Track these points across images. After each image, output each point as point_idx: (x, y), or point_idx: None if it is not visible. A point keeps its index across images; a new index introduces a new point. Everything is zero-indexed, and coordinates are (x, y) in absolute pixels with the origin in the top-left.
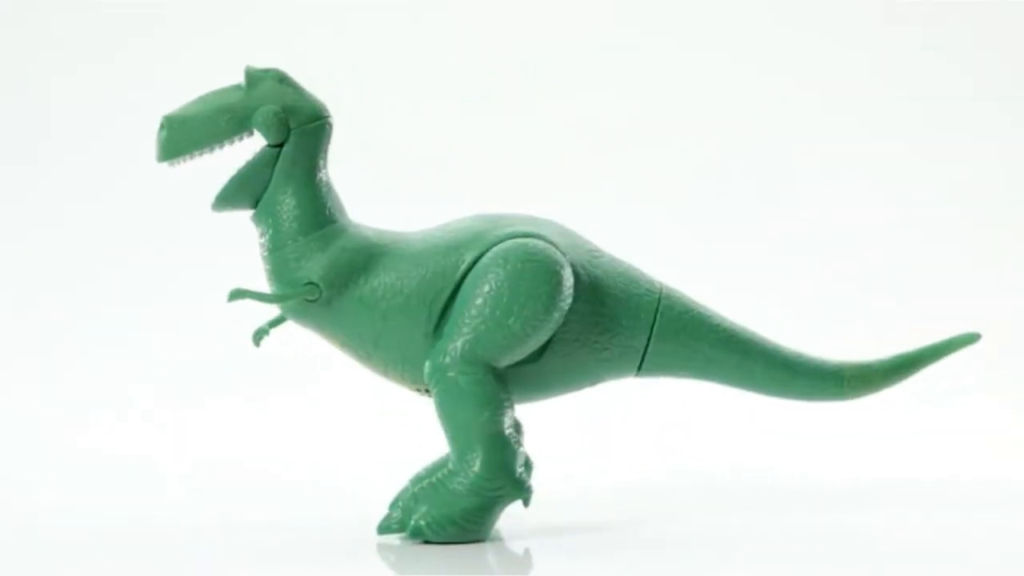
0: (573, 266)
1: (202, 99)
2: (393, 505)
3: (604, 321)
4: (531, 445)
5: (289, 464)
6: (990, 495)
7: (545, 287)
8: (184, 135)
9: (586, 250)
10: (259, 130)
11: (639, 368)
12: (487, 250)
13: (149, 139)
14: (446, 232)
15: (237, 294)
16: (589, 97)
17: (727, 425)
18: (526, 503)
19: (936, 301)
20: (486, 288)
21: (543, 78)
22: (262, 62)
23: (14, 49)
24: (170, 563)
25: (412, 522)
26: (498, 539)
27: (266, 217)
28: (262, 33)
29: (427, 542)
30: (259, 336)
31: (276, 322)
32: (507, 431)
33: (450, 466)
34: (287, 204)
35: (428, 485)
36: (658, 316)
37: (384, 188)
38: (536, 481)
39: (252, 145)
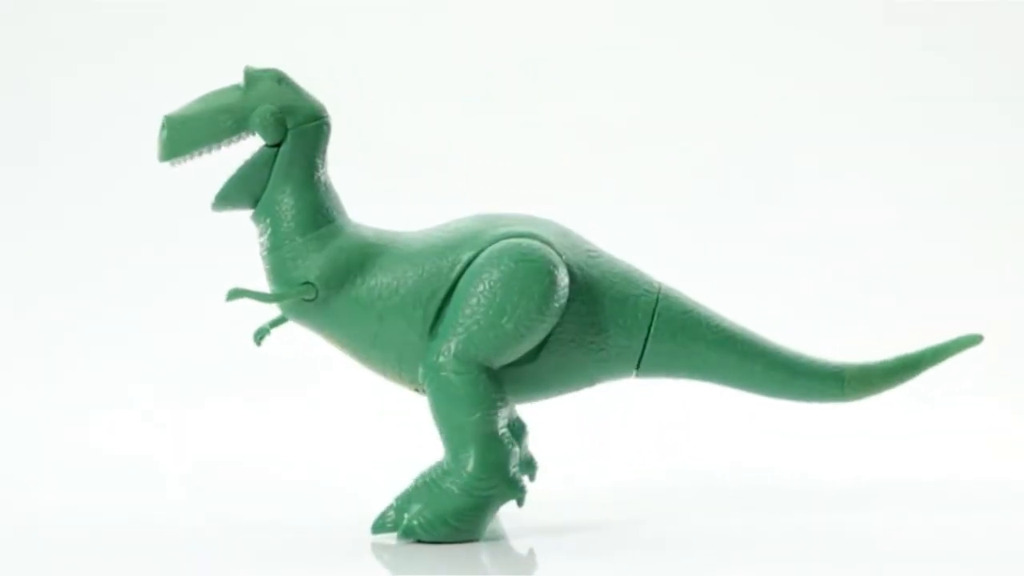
0: (569, 266)
1: (202, 99)
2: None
3: (600, 321)
4: (531, 445)
5: (289, 464)
6: (990, 495)
7: (538, 287)
8: (184, 135)
9: (584, 250)
10: (256, 130)
11: (637, 368)
12: (482, 250)
13: (149, 139)
14: (444, 232)
15: (235, 293)
16: (589, 97)
17: (727, 425)
18: (520, 503)
19: (936, 301)
20: (480, 288)
21: (543, 78)
22: (262, 62)
23: (14, 49)
24: (170, 563)
25: (404, 521)
26: (498, 539)
27: (265, 217)
28: (262, 33)
29: (420, 541)
30: (260, 335)
31: (277, 322)
32: (501, 431)
33: (444, 466)
34: (285, 204)
35: (422, 484)
36: (655, 316)
37: (384, 188)
38: (536, 481)
39: (252, 145)
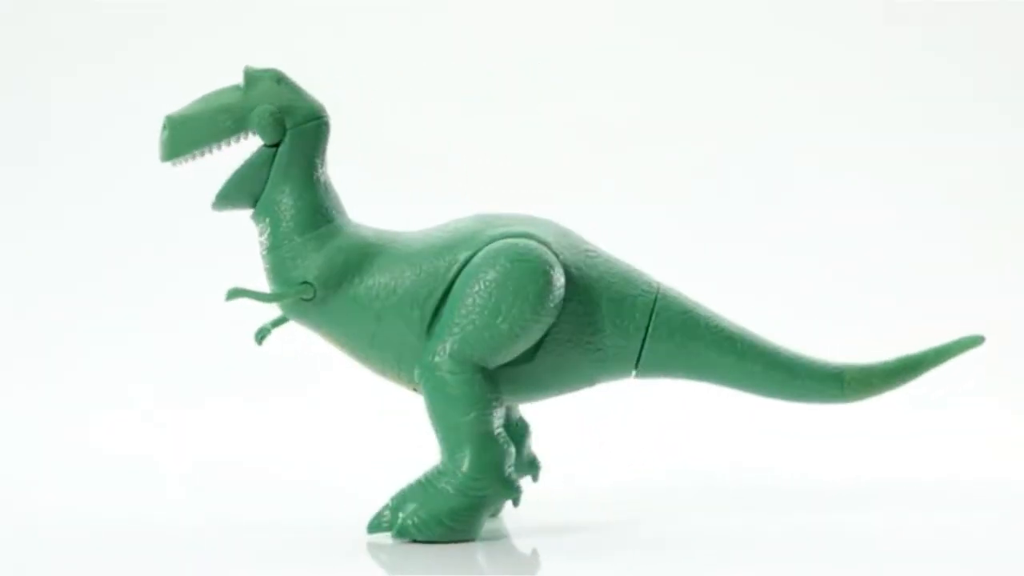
0: (566, 266)
1: (202, 99)
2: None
3: (597, 321)
4: (533, 445)
5: (289, 464)
6: (990, 495)
7: (533, 287)
8: (185, 135)
9: (583, 250)
10: (255, 130)
11: (636, 369)
12: (479, 250)
13: (149, 139)
14: (443, 232)
15: (235, 293)
16: (589, 97)
17: (727, 425)
18: (515, 503)
19: (936, 301)
20: (475, 288)
21: (543, 78)
22: (262, 62)
23: (14, 49)
24: (170, 563)
25: (399, 521)
26: (499, 539)
27: (264, 216)
28: (262, 33)
29: (415, 541)
30: (261, 335)
31: (279, 322)
32: (496, 431)
33: (440, 466)
34: (284, 203)
35: (417, 484)
36: (653, 317)
37: (384, 188)
38: (537, 481)
39: (253, 145)
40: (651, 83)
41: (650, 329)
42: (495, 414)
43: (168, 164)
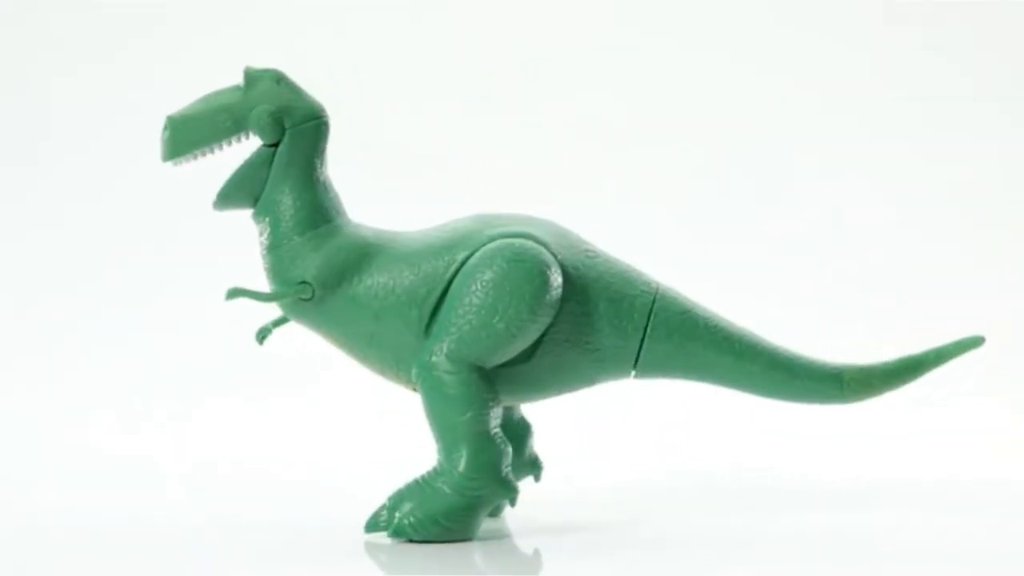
0: (565, 266)
1: (203, 99)
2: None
3: (595, 322)
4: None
5: (289, 464)
6: (990, 495)
7: (529, 287)
8: (185, 135)
9: (581, 250)
10: (254, 129)
11: (635, 369)
12: (477, 250)
13: (149, 139)
14: (442, 232)
15: (234, 293)
16: (589, 97)
17: (727, 425)
18: (512, 503)
19: (936, 301)
20: (472, 288)
21: (543, 78)
22: (262, 62)
23: (14, 49)
24: (170, 563)
25: (395, 520)
26: (499, 539)
27: (264, 216)
28: (262, 33)
29: (411, 541)
30: (262, 335)
31: (280, 321)
32: (493, 431)
33: (437, 465)
34: (284, 203)
35: (414, 483)
36: (652, 317)
37: (384, 188)
38: (538, 481)
39: (254, 144)
40: (651, 83)
41: (648, 329)
42: (492, 414)
43: (170, 164)
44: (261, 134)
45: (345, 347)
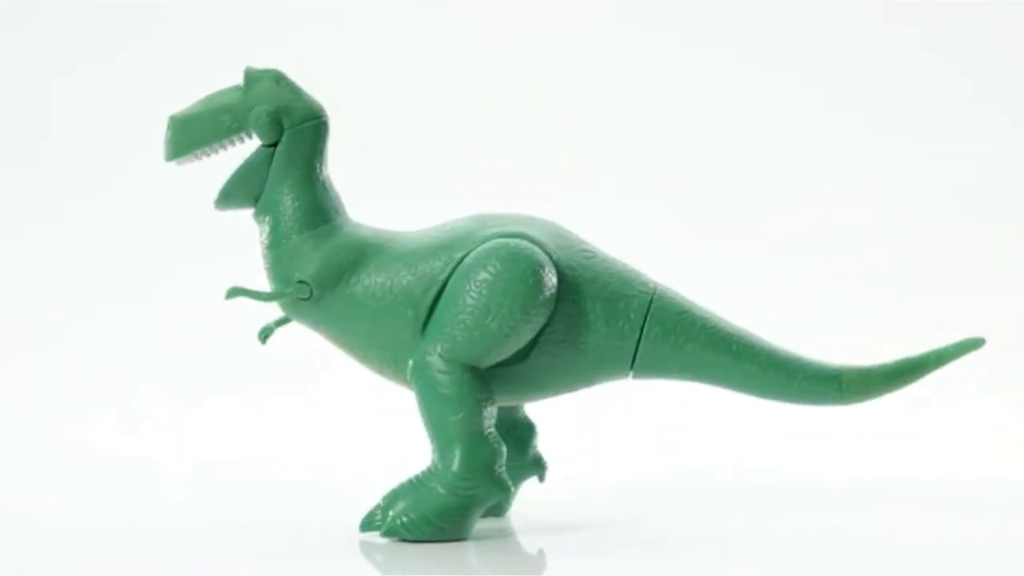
0: (561, 266)
1: (204, 99)
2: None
3: (591, 322)
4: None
5: (289, 464)
6: (990, 495)
7: (523, 287)
8: (187, 135)
9: (579, 250)
10: (254, 129)
11: (632, 369)
12: (473, 250)
13: (149, 139)
14: (440, 232)
15: (234, 292)
16: (589, 97)
17: (727, 425)
18: (506, 503)
19: (936, 302)
20: (467, 288)
21: (543, 78)
22: (262, 62)
23: (14, 49)
24: (170, 563)
25: (388, 520)
26: (498, 538)
27: (264, 215)
28: (262, 33)
29: (404, 541)
30: (265, 334)
31: (282, 321)
32: (487, 431)
33: (431, 465)
34: (283, 202)
35: (408, 483)
36: (648, 318)
37: (384, 188)
38: (543, 481)
39: (256, 144)
40: (651, 83)
41: (644, 330)
42: (486, 414)
43: (173, 164)
44: (260, 134)
45: (344, 346)
